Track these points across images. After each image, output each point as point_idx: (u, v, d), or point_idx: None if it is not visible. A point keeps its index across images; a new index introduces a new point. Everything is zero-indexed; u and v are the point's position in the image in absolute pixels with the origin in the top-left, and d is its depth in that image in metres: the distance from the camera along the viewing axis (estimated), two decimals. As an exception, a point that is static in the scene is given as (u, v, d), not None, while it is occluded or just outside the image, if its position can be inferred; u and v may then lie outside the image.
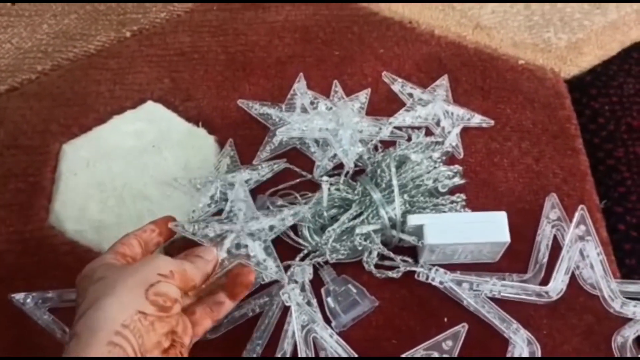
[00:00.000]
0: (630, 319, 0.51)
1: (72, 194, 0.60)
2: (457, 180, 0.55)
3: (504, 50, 0.68)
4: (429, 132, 0.60)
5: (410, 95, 0.63)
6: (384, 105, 0.64)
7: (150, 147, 0.62)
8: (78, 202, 0.59)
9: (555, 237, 0.55)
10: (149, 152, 0.62)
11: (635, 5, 0.70)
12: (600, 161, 0.60)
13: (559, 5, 0.71)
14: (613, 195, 0.58)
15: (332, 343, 0.48)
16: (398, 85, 0.64)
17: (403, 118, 0.61)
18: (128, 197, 0.60)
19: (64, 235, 0.57)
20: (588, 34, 0.69)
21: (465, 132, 0.61)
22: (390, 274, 0.52)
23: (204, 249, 0.48)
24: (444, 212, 0.53)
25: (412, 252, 0.54)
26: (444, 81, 0.64)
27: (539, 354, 0.49)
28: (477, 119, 0.61)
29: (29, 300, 0.52)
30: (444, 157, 0.57)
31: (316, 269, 0.53)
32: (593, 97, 0.64)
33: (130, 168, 0.61)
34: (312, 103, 0.62)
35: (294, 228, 0.54)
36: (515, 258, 0.54)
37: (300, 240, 0.54)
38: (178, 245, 0.55)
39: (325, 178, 0.55)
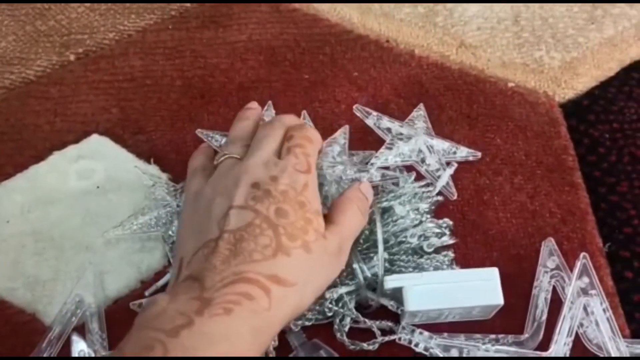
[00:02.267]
0: (642, 387, 0.44)
1: (4, 245, 0.52)
2: (446, 240, 0.47)
3: (491, 71, 0.61)
4: (420, 176, 0.53)
5: (388, 130, 0.55)
6: (361, 135, 0.56)
7: (94, 188, 0.55)
8: (10, 255, 0.52)
9: (554, 288, 0.48)
10: (93, 194, 0.54)
11: (633, 20, 0.64)
12: (602, 198, 0.53)
13: (551, 20, 0.64)
14: (618, 237, 0.51)
15: None
16: (372, 119, 0.56)
17: (385, 157, 0.53)
18: (67, 248, 0.52)
19: (-8, 295, 0.50)
20: (583, 52, 0.62)
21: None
22: (366, 346, 0.44)
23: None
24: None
25: (393, 313, 0.47)
26: (420, 111, 0.57)
27: None
28: (463, 152, 0.54)
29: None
30: (432, 207, 0.50)
31: (282, 332, 0.46)
32: (592, 124, 0.57)
33: (70, 213, 0.54)
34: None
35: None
36: (509, 314, 0.47)
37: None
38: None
39: None
